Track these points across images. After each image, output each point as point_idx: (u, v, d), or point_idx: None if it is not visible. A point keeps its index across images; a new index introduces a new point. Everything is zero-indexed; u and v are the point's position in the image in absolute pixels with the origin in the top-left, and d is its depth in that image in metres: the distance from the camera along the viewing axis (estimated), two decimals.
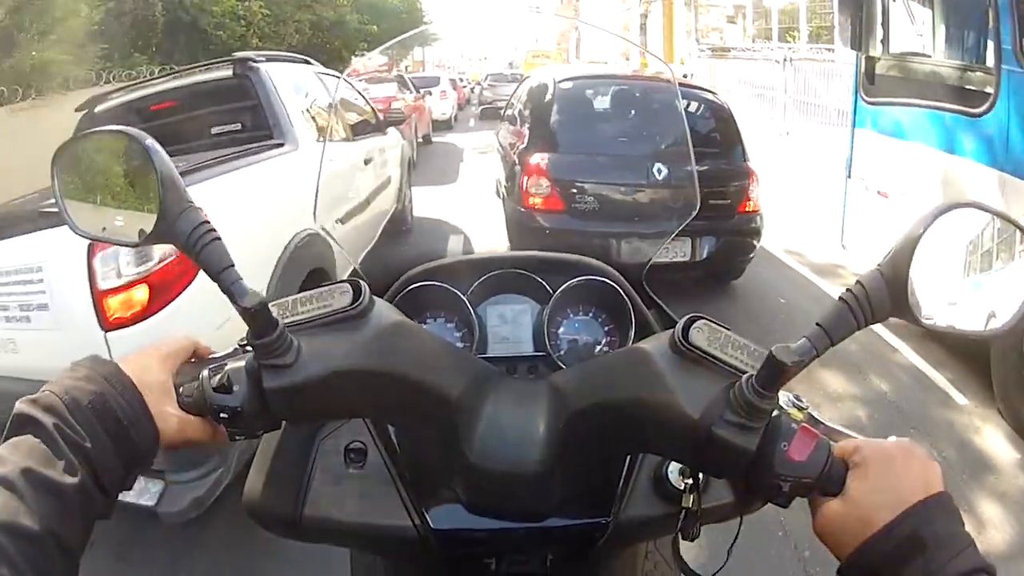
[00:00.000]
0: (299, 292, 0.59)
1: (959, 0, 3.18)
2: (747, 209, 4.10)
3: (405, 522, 0.70)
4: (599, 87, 4.51)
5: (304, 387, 0.54)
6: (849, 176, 3.92)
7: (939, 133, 3.09)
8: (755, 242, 4.18)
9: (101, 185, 0.59)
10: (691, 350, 0.55)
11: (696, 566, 0.64)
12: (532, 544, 0.71)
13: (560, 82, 4.34)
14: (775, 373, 0.49)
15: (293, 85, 3.28)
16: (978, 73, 2.93)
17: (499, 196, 4.59)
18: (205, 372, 0.56)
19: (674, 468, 0.69)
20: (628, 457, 0.71)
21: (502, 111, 5.45)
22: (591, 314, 0.91)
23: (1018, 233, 0.51)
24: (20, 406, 0.49)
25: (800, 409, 0.55)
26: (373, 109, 4.55)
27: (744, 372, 0.53)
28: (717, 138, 4.29)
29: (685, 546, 0.67)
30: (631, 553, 0.84)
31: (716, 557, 0.67)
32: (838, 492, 0.51)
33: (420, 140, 8.12)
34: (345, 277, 0.64)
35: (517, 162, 4.11)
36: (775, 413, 0.52)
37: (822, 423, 0.56)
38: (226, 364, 0.56)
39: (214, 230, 0.53)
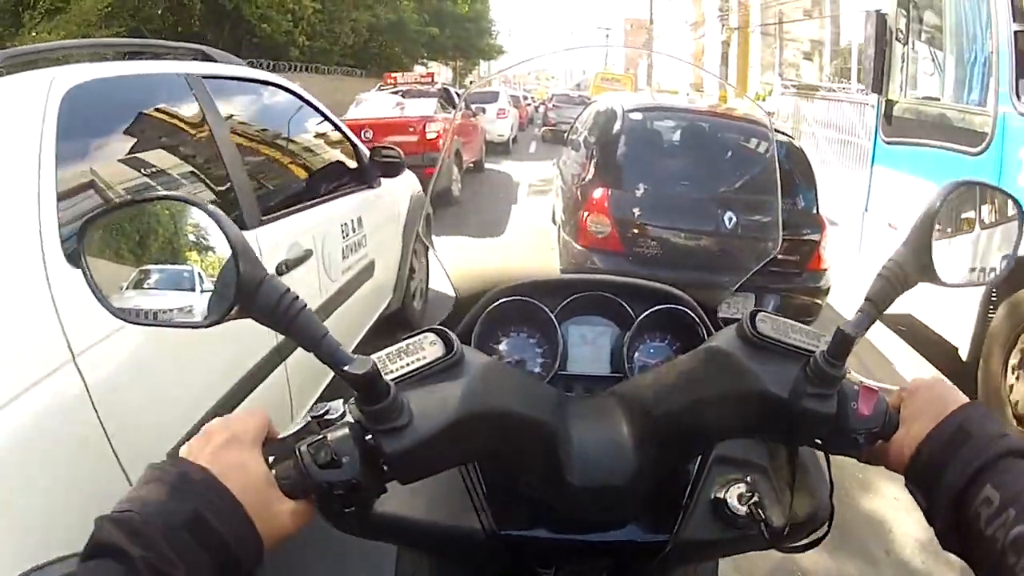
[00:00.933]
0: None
1: (965, 47, 3.37)
2: (816, 266, 3.77)
3: (475, 526, 0.71)
4: (672, 121, 4.15)
5: (423, 446, 0.53)
6: (866, 210, 4.12)
7: (943, 171, 3.29)
8: (820, 302, 3.87)
9: (148, 260, 0.53)
10: (763, 339, 0.60)
11: None
12: (594, 556, 0.72)
13: (629, 112, 3.98)
14: (843, 345, 0.56)
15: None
16: (978, 115, 3.13)
17: (554, 223, 4.31)
18: (304, 450, 0.52)
19: (733, 494, 0.71)
20: (692, 477, 0.74)
21: (566, 135, 5.17)
22: (667, 341, 0.95)
23: (1009, 201, 0.64)
24: (100, 528, 0.43)
25: (852, 375, 0.61)
26: (355, 149, 2.97)
27: (810, 351, 0.58)
28: (788, 184, 4.07)
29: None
30: (680, 573, 0.86)
31: None
32: (895, 431, 0.59)
33: (470, 165, 6.79)
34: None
35: (578, 194, 3.82)
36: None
37: (871, 384, 0.62)
38: (324, 437, 0.53)
39: (299, 298, 0.50)
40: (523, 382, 0.71)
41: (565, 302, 0.95)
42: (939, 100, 3.60)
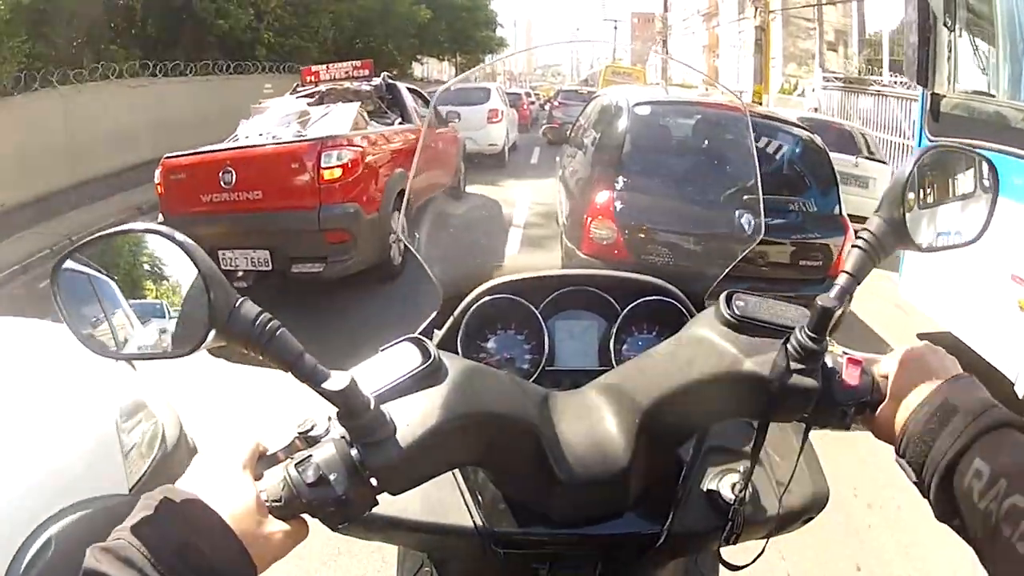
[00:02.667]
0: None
1: (1021, 35, 3.09)
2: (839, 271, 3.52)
3: (467, 523, 0.71)
4: (680, 116, 3.75)
5: (408, 458, 0.53)
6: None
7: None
8: (844, 311, 3.59)
9: (122, 294, 0.52)
10: (741, 319, 0.60)
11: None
12: (589, 551, 0.72)
13: (636, 106, 3.63)
14: (824, 319, 0.57)
15: None
16: None
17: (558, 225, 3.95)
18: (292, 471, 0.52)
19: (726, 483, 0.71)
20: (683, 472, 0.74)
21: (568, 133, 4.78)
22: (655, 332, 0.95)
23: (984, 164, 0.65)
24: (92, 558, 0.43)
25: (834, 346, 0.60)
26: None
27: (789, 328, 0.59)
28: (808, 182, 3.74)
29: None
30: (676, 564, 0.84)
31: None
32: (883, 401, 0.59)
33: (445, 192, 4.26)
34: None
35: (579, 196, 3.40)
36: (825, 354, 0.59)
37: (856, 354, 0.60)
38: (311, 456, 0.53)
39: (274, 319, 0.50)
40: (505, 383, 0.69)
41: (550, 298, 0.95)
42: (993, 96, 3.29)
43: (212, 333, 0.48)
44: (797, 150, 3.78)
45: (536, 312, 0.93)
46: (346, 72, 6.63)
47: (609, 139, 3.59)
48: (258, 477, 0.53)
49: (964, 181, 0.65)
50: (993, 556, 0.49)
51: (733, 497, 0.69)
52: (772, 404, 0.59)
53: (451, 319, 0.92)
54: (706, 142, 3.64)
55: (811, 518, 0.75)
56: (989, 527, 0.48)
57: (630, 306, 0.94)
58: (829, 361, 0.59)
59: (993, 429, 0.52)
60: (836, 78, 12.24)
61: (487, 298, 0.92)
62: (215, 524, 0.47)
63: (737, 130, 3.54)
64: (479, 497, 0.72)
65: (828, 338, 0.59)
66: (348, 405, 0.51)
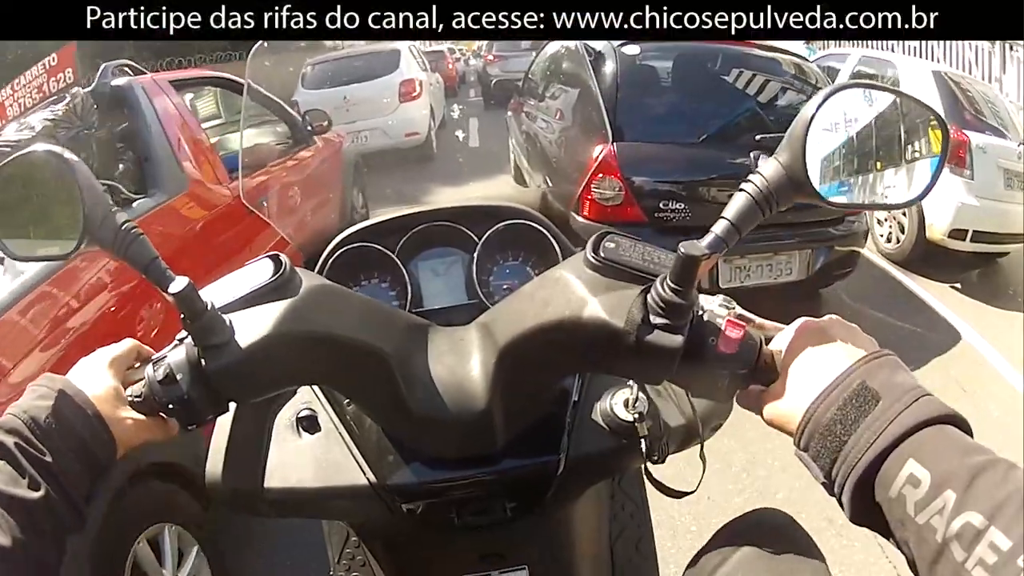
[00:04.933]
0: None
1: None
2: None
3: (361, 481, 0.71)
4: (679, 54, 3.32)
5: (244, 361, 0.55)
6: None
7: None
8: (859, 249, 3.35)
9: (30, 208, 0.62)
10: (605, 262, 0.57)
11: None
12: (488, 492, 0.71)
13: (622, 47, 3.18)
14: (688, 268, 0.51)
15: None
16: None
17: (520, 185, 3.21)
18: (149, 369, 0.58)
19: (618, 400, 0.70)
20: (572, 394, 0.73)
21: (520, 85, 3.87)
22: (520, 258, 0.95)
23: (924, 111, 0.55)
24: None
25: (728, 309, 0.56)
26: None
27: (652, 275, 0.55)
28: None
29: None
30: (595, 495, 0.82)
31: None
32: (775, 378, 0.52)
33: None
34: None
35: (566, 155, 2.96)
36: (700, 313, 0.54)
37: (752, 319, 0.56)
38: (166, 356, 0.57)
39: (136, 228, 0.56)
40: (369, 309, 0.68)
41: (406, 239, 0.94)
42: None
43: (86, 240, 0.55)
44: (792, 74, 3.33)
45: (392, 255, 0.92)
46: (38, 88, 3.62)
47: (596, 83, 3.09)
48: (133, 376, 0.60)
49: (897, 132, 0.54)
50: None
51: (628, 415, 0.68)
52: (630, 361, 0.54)
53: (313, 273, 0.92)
54: (717, 80, 3.24)
55: (719, 426, 0.73)
56: (933, 547, 0.41)
57: (486, 234, 0.92)
58: (706, 317, 0.54)
59: (927, 424, 0.44)
60: None
61: (342, 249, 0.91)
62: (80, 400, 0.56)
63: (753, 64, 3.18)
64: (367, 452, 0.72)
65: (727, 300, 0.56)
66: (187, 307, 0.54)
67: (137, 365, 0.62)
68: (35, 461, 0.51)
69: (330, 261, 0.91)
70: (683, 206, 2.84)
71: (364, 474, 0.71)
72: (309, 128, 3.46)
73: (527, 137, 3.14)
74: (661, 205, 2.85)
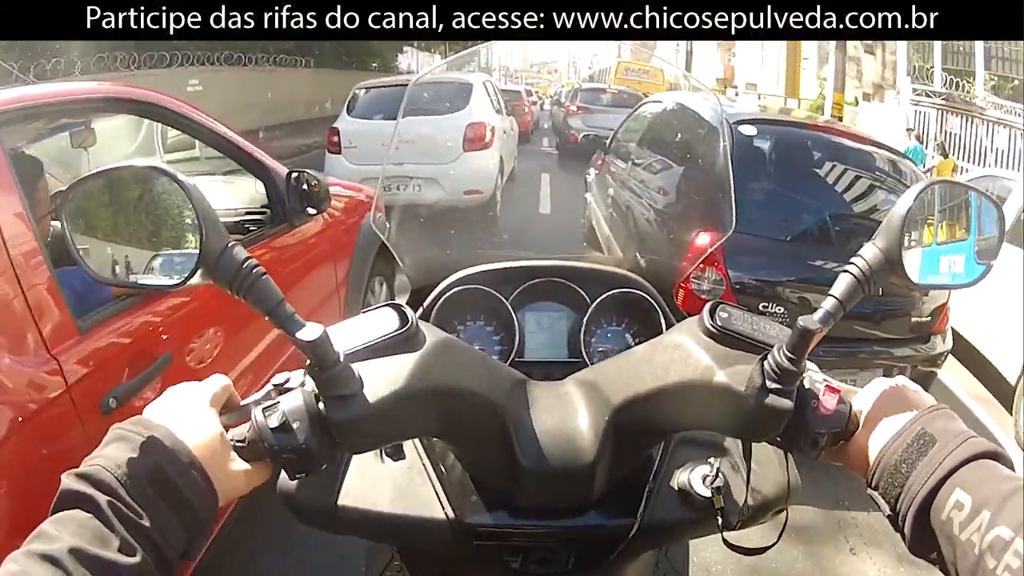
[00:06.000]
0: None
1: None
2: (942, 327, 2.81)
3: (439, 516, 0.71)
4: (790, 140, 2.96)
5: (370, 416, 0.55)
6: None
7: None
8: (936, 371, 2.90)
9: (123, 226, 0.57)
10: (721, 330, 0.59)
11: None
12: (560, 543, 0.72)
13: (738, 124, 2.81)
14: (803, 340, 0.55)
15: None
16: None
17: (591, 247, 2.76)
18: (258, 414, 0.54)
19: (696, 476, 0.71)
20: (655, 463, 0.74)
21: (609, 143, 3.23)
22: (624, 324, 0.96)
23: (990, 204, 0.63)
24: (67, 482, 0.46)
25: (816, 372, 0.60)
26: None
27: (770, 344, 0.58)
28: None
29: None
30: (644, 560, 0.84)
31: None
32: (857, 431, 0.59)
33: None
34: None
35: (661, 231, 2.51)
36: (802, 379, 0.57)
37: (836, 383, 0.60)
38: (279, 402, 0.55)
39: (259, 265, 0.53)
40: (481, 362, 0.69)
41: (520, 289, 0.95)
42: None
43: (200, 272, 0.51)
44: (892, 178, 2.97)
45: (506, 303, 0.94)
46: None
47: (702, 162, 2.64)
48: (230, 419, 0.56)
49: (967, 221, 0.64)
50: None
51: (704, 490, 0.70)
52: (745, 422, 0.59)
53: (420, 310, 0.92)
54: (835, 176, 2.85)
55: (783, 509, 0.75)
56: (972, 559, 0.47)
57: (600, 297, 0.94)
58: (807, 384, 0.58)
59: (973, 459, 0.51)
60: (931, 93, 9.08)
61: (456, 288, 0.92)
62: (182, 453, 0.50)
63: (868, 167, 2.81)
64: (449, 487, 0.72)
65: (810, 363, 0.59)
66: (317, 356, 0.52)
67: (235, 403, 0.58)
68: (130, 524, 0.46)
69: (442, 298, 0.92)
70: (782, 310, 2.59)
71: (443, 509, 0.71)
72: (303, 200, 2.11)
73: (613, 203, 2.73)
74: (760, 307, 2.58)
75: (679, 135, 3.01)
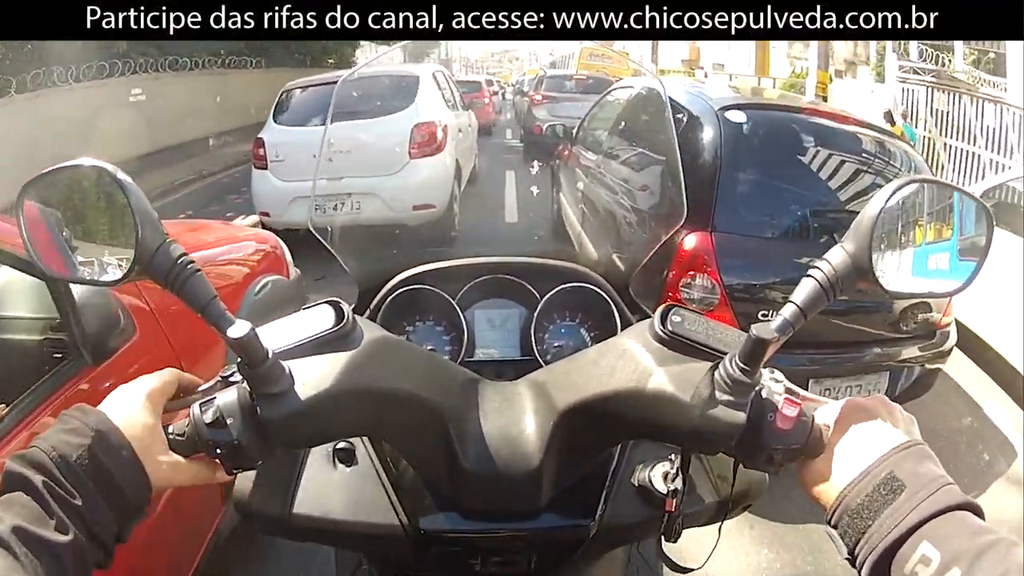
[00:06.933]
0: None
1: None
2: (946, 321, 2.62)
3: (393, 521, 0.70)
4: (795, 127, 2.59)
5: (302, 413, 0.54)
6: None
7: None
8: (940, 366, 2.70)
9: (72, 223, 0.57)
10: (672, 336, 0.57)
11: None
12: (519, 546, 0.70)
13: (725, 110, 2.45)
14: (757, 350, 0.52)
15: None
16: None
17: (560, 243, 2.79)
18: (196, 409, 0.55)
19: (657, 474, 0.69)
20: (614, 462, 0.73)
21: (574, 132, 3.05)
22: (577, 320, 0.94)
23: (974, 205, 0.58)
24: (10, 464, 0.49)
25: (777, 382, 0.57)
26: None
27: (724, 353, 0.55)
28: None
29: (669, 548, 0.70)
30: (613, 556, 0.83)
31: (696, 560, 0.72)
32: (821, 452, 0.55)
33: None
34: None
35: (641, 233, 2.27)
36: (759, 389, 0.55)
37: (799, 393, 0.57)
38: (215, 399, 0.55)
39: (193, 262, 0.53)
40: (425, 362, 0.68)
41: (467, 287, 0.94)
42: None
43: (137, 269, 0.52)
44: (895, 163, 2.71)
45: (453, 302, 0.92)
46: None
47: (691, 152, 2.42)
48: (170, 411, 0.57)
49: (949, 224, 0.58)
50: None
51: (665, 488, 0.68)
52: (692, 433, 0.56)
53: (367, 312, 0.90)
54: (830, 166, 2.57)
55: (748, 506, 0.74)
56: None
57: (549, 293, 0.92)
58: (764, 394, 0.55)
59: (943, 512, 0.47)
60: (919, 70, 8.34)
61: (402, 289, 0.91)
62: (114, 439, 0.52)
63: (865, 152, 2.55)
64: (401, 491, 0.71)
65: (773, 372, 0.57)
66: (247, 353, 0.52)
67: (180, 397, 0.59)
68: (63, 503, 0.48)
69: (388, 299, 0.90)
70: None
71: (396, 514, 0.70)
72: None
73: (583, 198, 2.59)
74: (760, 316, 2.21)
75: (641, 122, 2.66)
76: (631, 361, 0.59)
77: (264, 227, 4.40)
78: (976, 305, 3.47)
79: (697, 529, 0.73)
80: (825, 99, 9.67)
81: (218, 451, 0.54)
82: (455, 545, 0.70)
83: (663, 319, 0.58)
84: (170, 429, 0.55)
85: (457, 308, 0.92)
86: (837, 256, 0.53)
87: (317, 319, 0.58)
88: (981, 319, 3.61)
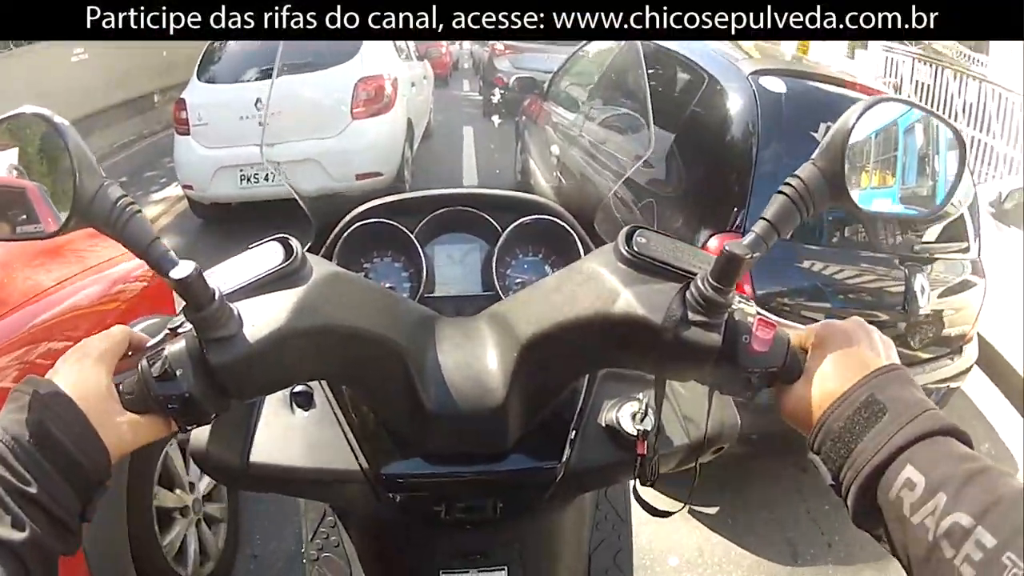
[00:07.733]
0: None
1: None
2: (971, 335, 2.39)
3: (353, 467, 0.68)
4: (838, 101, 2.11)
5: (253, 356, 0.51)
6: None
7: None
8: (958, 385, 2.47)
9: (18, 175, 0.55)
10: (638, 257, 0.55)
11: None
12: (484, 490, 0.69)
13: (759, 76, 1.99)
14: (731, 267, 0.50)
15: None
16: None
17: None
18: (144, 363, 0.53)
19: (626, 414, 0.67)
20: (580, 403, 0.70)
21: (545, 87, 2.73)
22: (541, 254, 0.92)
23: (942, 126, 0.58)
24: None
25: (749, 304, 0.55)
26: None
27: (694, 273, 0.53)
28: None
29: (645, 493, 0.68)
30: (581, 502, 0.82)
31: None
32: (799, 376, 0.54)
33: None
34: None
35: (630, 214, 2.00)
36: (732, 311, 0.53)
37: (772, 317, 0.54)
38: (163, 349, 0.52)
39: (134, 203, 0.51)
40: (380, 298, 0.65)
41: (426, 220, 0.91)
42: None
43: (76, 217, 0.49)
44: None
45: (411, 235, 0.89)
46: None
47: (696, 128, 1.97)
48: (121, 369, 0.54)
49: (923, 147, 0.58)
50: None
51: (633, 428, 0.66)
52: (664, 358, 0.54)
53: (323, 248, 0.87)
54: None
55: (721, 448, 0.71)
56: (925, 546, 0.44)
57: (511, 226, 0.89)
58: (737, 317, 0.53)
59: (927, 436, 0.47)
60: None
61: (358, 224, 0.87)
62: (67, 407, 0.49)
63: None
64: (362, 436, 0.69)
65: (742, 295, 0.54)
66: (191, 295, 0.49)
67: (130, 355, 0.56)
68: (18, 495, 0.45)
69: (344, 234, 0.87)
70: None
71: (356, 459, 0.68)
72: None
73: (560, 164, 2.27)
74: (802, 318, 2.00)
75: (624, 79, 2.28)
76: (596, 284, 0.56)
77: (190, 202, 4.07)
78: (996, 319, 3.14)
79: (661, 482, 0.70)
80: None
81: (169, 407, 0.52)
82: (419, 490, 0.68)
83: (628, 240, 0.56)
84: (122, 388, 0.53)
85: (416, 242, 0.89)
86: (808, 171, 0.52)
87: (265, 257, 0.55)
88: (1000, 334, 3.31)
